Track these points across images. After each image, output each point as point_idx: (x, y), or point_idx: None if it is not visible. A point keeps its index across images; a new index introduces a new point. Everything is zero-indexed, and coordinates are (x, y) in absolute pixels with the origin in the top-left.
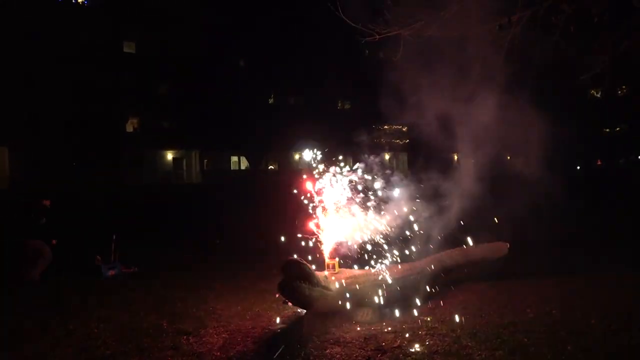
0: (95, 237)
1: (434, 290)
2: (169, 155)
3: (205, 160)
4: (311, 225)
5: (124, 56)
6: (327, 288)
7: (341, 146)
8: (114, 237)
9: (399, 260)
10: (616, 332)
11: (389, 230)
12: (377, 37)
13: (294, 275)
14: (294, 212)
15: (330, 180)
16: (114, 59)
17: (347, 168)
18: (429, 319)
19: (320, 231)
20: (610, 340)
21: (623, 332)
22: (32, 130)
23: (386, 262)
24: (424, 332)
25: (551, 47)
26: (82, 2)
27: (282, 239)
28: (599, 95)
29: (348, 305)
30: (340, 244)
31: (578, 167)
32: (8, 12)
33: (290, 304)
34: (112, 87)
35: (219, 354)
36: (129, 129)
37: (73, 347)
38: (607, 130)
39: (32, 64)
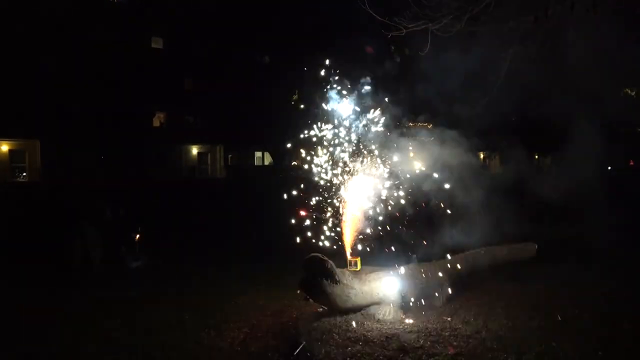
0: (121, 229)
1: (458, 290)
2: (194, 150)
3: (230, 156)
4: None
5: (152, 51)
6: (348, 285)
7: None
8: (139, 229)
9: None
10: None
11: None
12: (404, 31)
13: (316, 271)
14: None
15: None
16: (142, 54)
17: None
18: (452, 319)
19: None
20: None
21: None
22: (62, 124)
23: (410, 259)
24: (447, 333)
25: (586, 43)
26: None
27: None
28: (633, 94)
29: (369, 303)
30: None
31: (609, 168)
32: (40, 6)
33: (311, 300)
34: (140, 82)
35: (239, 348)
36: (156, 123)
37: (97, 339)
38: None
39: (63, 58)
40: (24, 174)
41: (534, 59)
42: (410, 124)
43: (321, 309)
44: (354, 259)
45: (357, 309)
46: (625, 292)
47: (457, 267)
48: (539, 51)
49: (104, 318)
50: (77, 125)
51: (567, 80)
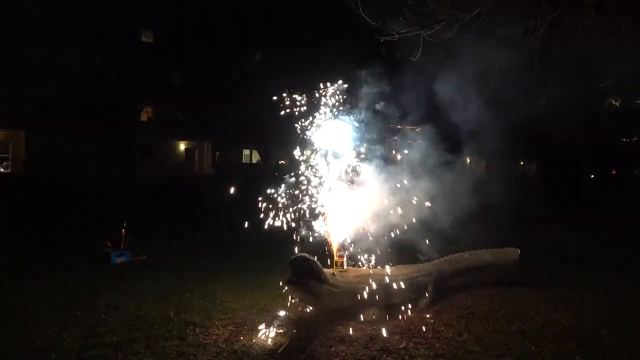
0: (106, 225)
1: (441, 293)
2: (182, 146)
3: (217, 153)
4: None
5: (142, 45)
6: (334, 285)
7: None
8: (125, 225)
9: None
10: (626, 344)
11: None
12: (397, 36)
13: (302, 271)
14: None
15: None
16: (131, 48)
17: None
18: (435, 321)
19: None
20: (620, 353)
21: (634, 345)
22: (48, 116)
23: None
24: (430, 335)
25: (572, 54)
26: None
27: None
28: (617, 104)
29: (354, 304)
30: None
31: (592, 176)
32: None
33: (297, 299)
34: (128, 76)
35: (224, 346)
36: (143, 117)
37: (80, 333)
38: (625, 139)
39: (49, 49)
40: (7, 164)
41: (522, 68)
42: (399, 126)
43: (306, 309)
44: (340, 260)
45: (342, 309)
46: (602, 299)
47: (441, 270)
48: (527, 60)
49: (87, 313)
50: (63, 118)
51: (553, 90)
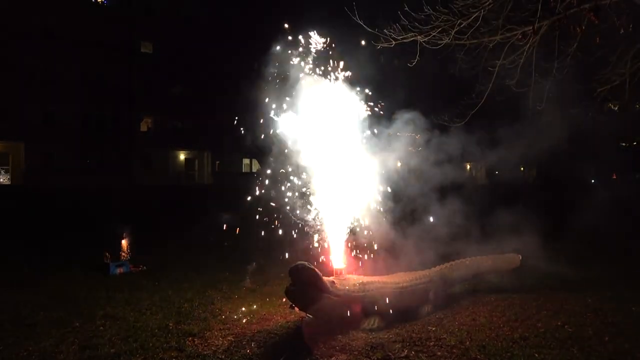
0: (105, 235)
1: (442, 300)
2: (182, 156)
3: (217, 162)
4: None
5: (141, 56)
6: (334, 294)
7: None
8: (124, 235)
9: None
10: (629, 350)
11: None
12: (393, 42)
13: (302, 280)
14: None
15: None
16: (131, 59)
17: None
18: (437, 329)
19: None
20: None
21: (638, 351)
22: (48, 127)
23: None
24: (431, 343)
25: (570, 58)
26: (102, 1)
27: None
28: (616, 109)
29: (355, 312)
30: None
31: (593, 181)
32: (27, 8)
33: (296, 308)
34: (128, 86)
35: (223, 357)
36: (143, 128)
37: (78, 344)
38: (625, 144)
39: (49, 61)
40: (7, 176)
41: (519, 72)
42: (398, 133)
43: (306, 317)
44: (340, 268)
45: (343, 318)
46: (606, 304)
47: (442, 276)
48: (524, 64)
49: (85, 323)
50: (63, 129)
51: (551, 96)
